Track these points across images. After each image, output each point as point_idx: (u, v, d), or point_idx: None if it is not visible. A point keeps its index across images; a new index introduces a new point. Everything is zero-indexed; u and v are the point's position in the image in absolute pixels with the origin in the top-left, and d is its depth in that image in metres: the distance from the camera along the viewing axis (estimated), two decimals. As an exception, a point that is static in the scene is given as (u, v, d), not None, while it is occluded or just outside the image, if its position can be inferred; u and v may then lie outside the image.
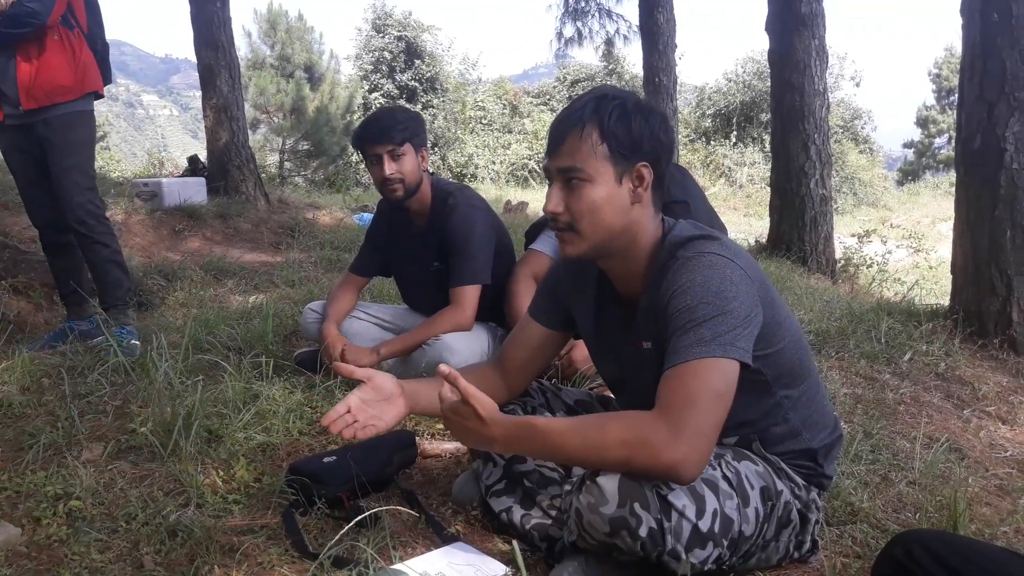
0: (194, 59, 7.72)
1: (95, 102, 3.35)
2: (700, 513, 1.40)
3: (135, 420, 2.25)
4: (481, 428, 1.50)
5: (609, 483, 1.38)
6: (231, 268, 5.22)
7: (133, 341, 3.14)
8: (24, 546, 1.67)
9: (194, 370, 2.59)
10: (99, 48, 3.36)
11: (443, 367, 1.52)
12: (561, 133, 1.55)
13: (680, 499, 1.39)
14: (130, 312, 3.38)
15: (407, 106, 18.33)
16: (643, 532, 1.36)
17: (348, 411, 1.67)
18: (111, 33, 3.61)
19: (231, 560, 1.61)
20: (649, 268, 1.59)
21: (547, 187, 1.62)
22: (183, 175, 8.15)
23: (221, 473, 1.99)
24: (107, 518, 1.79)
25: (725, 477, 1.49)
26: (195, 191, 6.87)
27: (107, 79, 3.42)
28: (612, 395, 1.99)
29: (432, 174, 2.93)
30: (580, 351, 2.61)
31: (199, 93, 7.77)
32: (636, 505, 1.36)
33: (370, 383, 1.72)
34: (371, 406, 1.71)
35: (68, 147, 3.16)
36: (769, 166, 8.86)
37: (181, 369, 2.52)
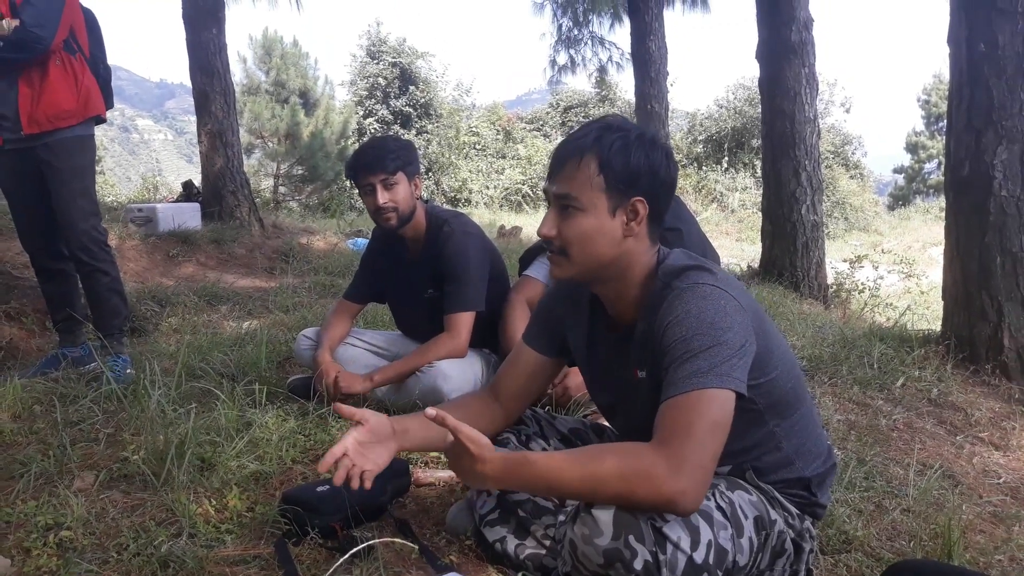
0: (189, 84, 7.76)
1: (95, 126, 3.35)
2: (695, 544, 1.40)
3: (127, 448, 2.24)
4: (474, 465, 1.48)
5: (604, 515, 1.38)
6: (225, 294, 5.21)
7: (128, 370, 3.12)
8: (14, 577, 1.66)
9: (187, 397, 2.59)
10: (101, 72, 3.37)
11: (430, 410, 1.51)
12: (562, 159, 1.57)
13: (675, 531, 1.39)
14: (124, 340, 3.37)
15: (400, 133, 18.44)
16: (638, 565, 1.36)
17: (344, 455, 1.61)
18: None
19: (223, 591, 1.60)
20: (643, 296, 1.60)
21: (542, 211, 1.63)
22: (177, 200, 8.16)
23: (214, 502, 1.98)
24: (98, 548, 1.77)
25: (719, 507, 1.49)
26: (189, 216, 6.88)
27: (109, 103, 3.42)
28: (606, 422, 1.99)
29: (427, 201, 2.94)
30: (574, 379, 2.61)
31: (194, 118, 7.80)
32: (631, 537, 1.36)
33: (366, 425, 1.67)
34: (367, 449, 1.65)
35: (72, 172, 3.15)
36: (760, 191, 8.93)
37: (174, 396, 2.51)
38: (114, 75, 3.57)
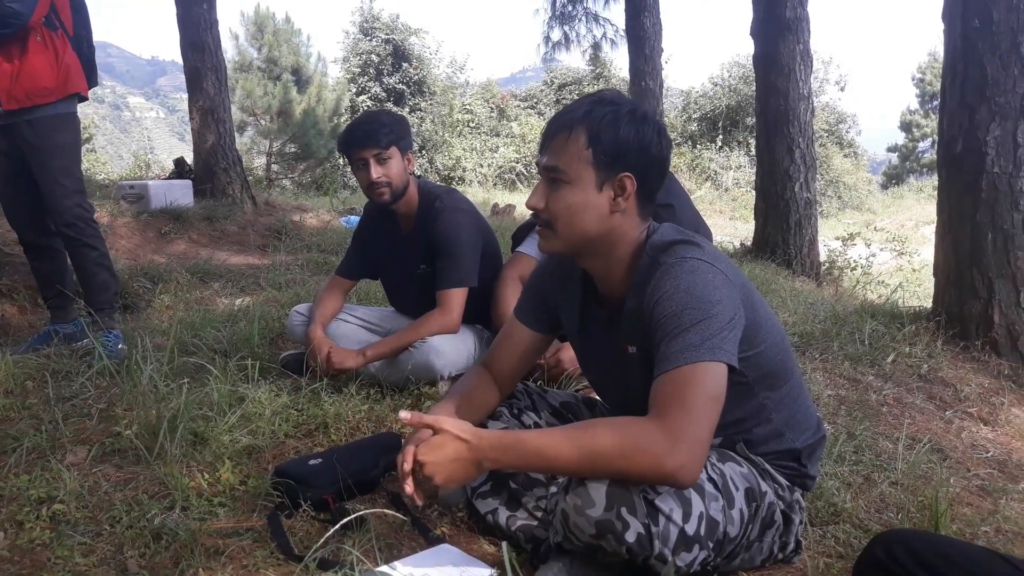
0: (181, 61, 7.69)
1: (80, 104, 3.33)
2: (687, 516, 1.41)
3: (120, 423, 2.24)
4: (464, 452, 1.45)
5: (596, 486, 1.39)
6: (217, 271, 5.20)
7: (120, 345, 3.12)
8: (7, 550, 1.66)
9: (180, 373, 2.58)
10: (84, 50, 3.34)
11: (403, 413, 1.51)
12: (553, 132, 1.57)
13: (667, 503, 1.39)
14: (115, 316, 3.36)
15: (393, 109, 18.34)
16: (630, 537, 1.37)
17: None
18: (96, 34, 3.58)
19: (216, 563, 1.61)
20: (631, 271, 1.60)
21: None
22: (169, 177, 8.11)
23: (206, 476, 1.99)
24: (91, 521, 1.78)
25: (710, 479, 1.50)
26: (181, 193, 6.84)
27: (92, 82, 3.40)
28: (598, 397, 2.00)
29: (419, 177, 2.93)
30: (567, 352, 2.62)
31: (186, 95, 7.75)
32: (623, 509, 1.37)
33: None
34: None
35: (53, 150, 3.14)
36: (754, 170, 8.92)
37: (166, 372, 2.51)
38: (105, 52, 3.59)
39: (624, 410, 1.65)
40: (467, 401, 1.80)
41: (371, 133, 2.68)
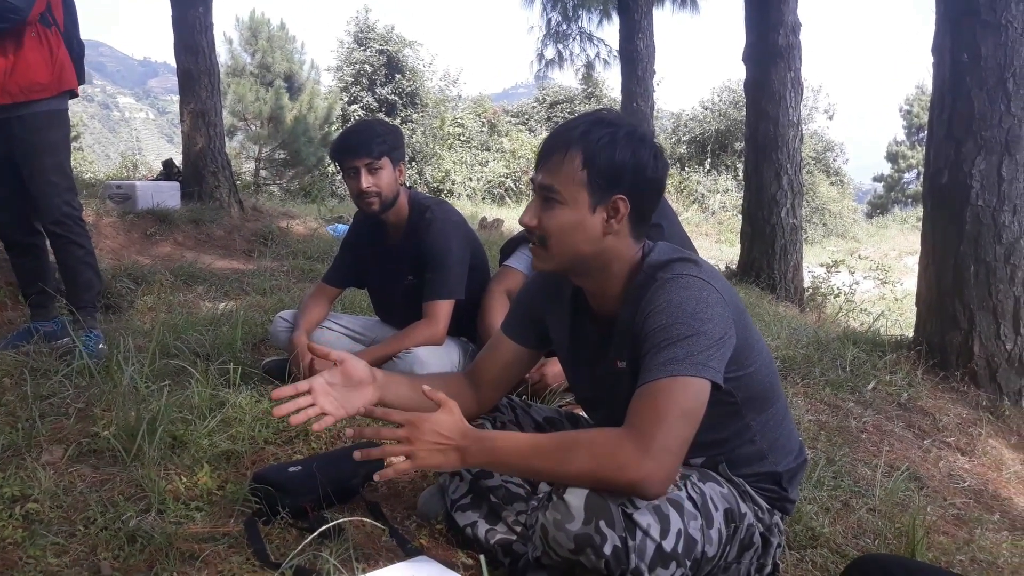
0: (173, 63, 7.67)
1: (69, 102, 3.31)
2: (664, 533, 1.41)
3: (98, 423, 2.21)
4: (444, 430, 1.48)
5: (576, 500, 1.39)
6: (202, 274, 5.16)
7: (101, 345, 3.09)
8: (-22, 548, 1.64)
9: (160, 375, 2.56)
10: (75, 47, 3.33)
11: (427, 387, 1.53)
12: (549, 150, 1.57)
13: (645, 518, 1.40)
14: (97, 315, 3.33)
15: (387, 120, 18.37)
16: (607, 550, 1.37)
17: (309, 391, 1.59)
18: (89, 33, 3.58)
19: (191, 567, 1.59)
20: (626, 289, 1.61)
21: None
22: (157, 179, 8.06)
23: (184, 479, 1.97)
24: (65, 521, 1.75)
25: (690, 498, 1.50)
26: (169, 195, 6.80)
27: (80, 79, 3.39)
28: (583, 413, 2.00)
29: (410, 188, 2.93)
30: (551, 367, 2.62)
31: (176, 97, 7.72)
32: (601, 523, 1.37)
33: (341, 367, 1.65)
34: (336, 391, 1.63)
35: (46, 146, 3.11)
36: (741, 194, 8.98)
37: (147, 373, 2.49)
38: (96, 51, 3.60)
39: (609, 425, 1.65)
40: (440, 382, 1.81)
41: (364, 143, 2.68)
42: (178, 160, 8.10)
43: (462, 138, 23.44)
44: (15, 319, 3.75)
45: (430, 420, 1.49)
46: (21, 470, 1.95)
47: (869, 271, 10.18)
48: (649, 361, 1.45)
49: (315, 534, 1.55)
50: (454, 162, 22.02)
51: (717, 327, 1.47)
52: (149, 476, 1.92)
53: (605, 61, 14.88)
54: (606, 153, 1.52)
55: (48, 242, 3.28)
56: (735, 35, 7.92)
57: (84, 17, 3.45)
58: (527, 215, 1.59)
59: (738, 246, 7.81)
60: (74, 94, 3.28)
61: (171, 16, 7.45)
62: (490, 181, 21.15)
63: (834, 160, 24.95)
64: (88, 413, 2.36)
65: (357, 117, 20.58)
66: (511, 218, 11.97)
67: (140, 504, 1.83)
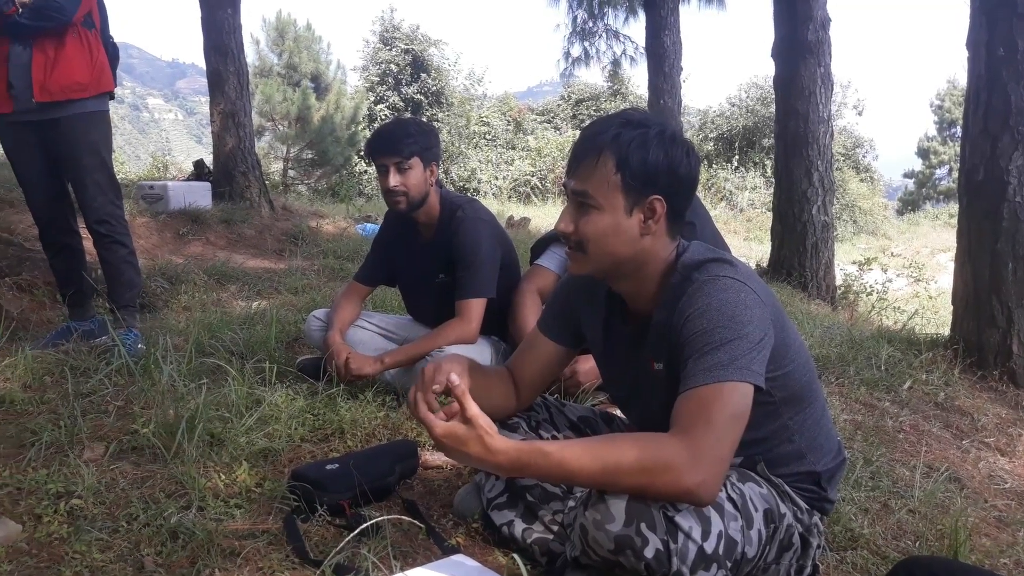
0: (201, 64, 7.76)
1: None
2: (706, 535, 1.40)
3: (138, 421, 2.24)
4: (485, 455, 1.41)
5: (616, 501, 1.38)
6: (234, 273, 5.22)
7: (139, 344, 3.13)
8: (25, 543, 1.67)
9: (197, 373, 2.60)
10: (109, 49, 3.38)
11: (454, 377, 1.45)
12: (581, 155, 1.55)
13: (687, 520, 1.39)
14: (137, 314, 3.38)
15: (421, 120, 18.44)
16: (649, 553, 1.36)
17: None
18: (118, 35, 3.62)
19: (232, 564, 1.61)
20: (661, 288, 1.60)
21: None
22: (188, 179, 8.17)
23: (223, 477, 1.99)
24: (108, 518, 1.78)
25: (730, 498, 1.49)
26: (200, 195, 6.89)
27: (115, 82, 3.44)
28: (617, 411, 1.99)
29: (442, 187, 2.94)
30: (583, 365, 2.61)
31: (205, 98, 7.82)
32: (643, 525, 1.36)
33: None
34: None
35: (88, 147, 3.16)
36: (770, 191, 8.92)
37: (184, 372, 2.52)
38: (126, 53, 3.60)
39: (645, 426, 1.64)
40: (485, 389, 1.71)
41: (395, 141, 2.69)
42: (208, 160, 8.19)
43: (488, 137, 23.45)
44: (54, 318, 3.81)
45: (451, 434, 1.43)
46: (64, 467, 1.99)
47: (902, 269, 10.05)
48: (692, 367, 1.44)
49: (356, 531, 1.56)
50: (480, 161, 22.04)
51: (757, 329, 1.46)
52: (189, 473, 1.95)
53: (631, 58, 14.80)
54: (639, 155, 1.51)
55: (85, 242, 3.33)
56: (763, 31, 7.86)
57: (112, 19, 3.49)
58: (563, 222, 1.58)
59: (768, 244, 7.74)
60: (112, 95, 3.33)
61: (200, 18, 7.54)
62: (516, 180, 21.15)
63: (864, 156, 24.65)
64: (128, 411, 2.40)
65: (383, 117, 20.69)
66: (538, 217, 11.97)
67: (181, 501, 1.86)
